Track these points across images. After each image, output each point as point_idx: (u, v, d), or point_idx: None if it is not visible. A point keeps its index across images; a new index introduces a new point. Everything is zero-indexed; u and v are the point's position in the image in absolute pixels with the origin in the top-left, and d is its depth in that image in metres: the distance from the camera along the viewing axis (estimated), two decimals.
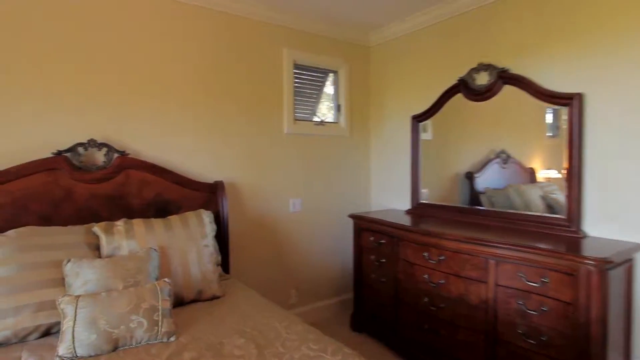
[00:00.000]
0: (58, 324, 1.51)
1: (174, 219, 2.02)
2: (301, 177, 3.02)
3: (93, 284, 1.53)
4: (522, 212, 2.27)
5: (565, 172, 2.09)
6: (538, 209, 2.23)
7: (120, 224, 1.88)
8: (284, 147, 2.92)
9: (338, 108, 3.23)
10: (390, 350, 2.61)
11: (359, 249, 2.88)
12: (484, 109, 2.50)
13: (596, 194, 2.00)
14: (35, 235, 1.69)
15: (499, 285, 1.92)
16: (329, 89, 3.22)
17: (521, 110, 2.31)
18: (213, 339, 1.45)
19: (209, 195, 2.46)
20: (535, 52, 2.23)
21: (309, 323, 3.03)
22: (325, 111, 3.22)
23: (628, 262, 1.83)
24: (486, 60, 2.46)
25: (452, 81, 2.64)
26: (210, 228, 2.08)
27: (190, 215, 2.08)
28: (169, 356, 1.32)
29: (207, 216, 2.12)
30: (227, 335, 1.48)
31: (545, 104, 2.17)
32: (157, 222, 1.94)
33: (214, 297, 1.88)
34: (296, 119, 2.97)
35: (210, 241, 2.03)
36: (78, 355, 1.31)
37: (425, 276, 2.30)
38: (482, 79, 2.46)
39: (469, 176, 2.62)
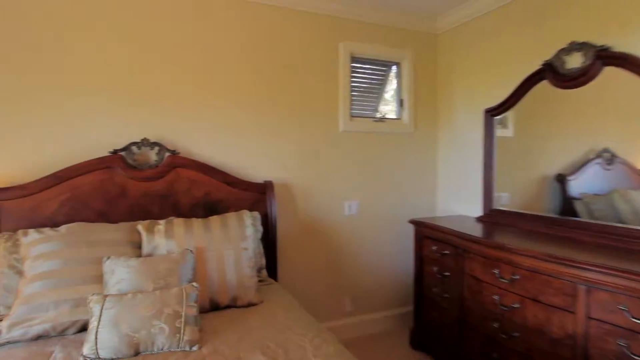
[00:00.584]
0: None
1: (213, 219, 1.97)
2: (357, 178, 2.81)
3: (126, 283, 1.52)
4: (631, 227, 1.79)
5: None
6: None
7: (161, 223, 1.88)
8: (339, 145, 2.74)
9: (400, 102, 2.95)
10: None
11: (420, 259, 2.58)
12: (577, 98, 2.04)
13: None
14: (84, 231, 1.74)
15: (592, 319, 1.52)
16: (390, 82, 2.96)
17: (629, 97, 1.83)
18: (233, 352, 1.34)
19: (258, 195, 2.39)
20: None
21: (365, 335, 2.84)
22: (386, 106, 2.97)
23: None
24: (580, 38, 2.01)
25: (535, 66, 2.22)
26: (251, 230, 1.99)
27: (230, 216, 2.02)
28: None
29: (248, 217, 2.04)
30: (248, 349, 1.35)
31: None
32: (197, 222, 1.90)
33: (250, 304, 1.77)
34: (353, 116, 2.77)
35: (250, 244, 1.93)
36: (100, 357, 1.29)
37: (495, 297, 1.94)
38: (575, 61, 2.01)
39: (560, 179, 2.17)
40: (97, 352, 1.29)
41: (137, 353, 1.32)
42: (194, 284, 1.52)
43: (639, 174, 1.82)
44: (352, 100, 2.76)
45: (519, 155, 2.42)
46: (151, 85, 2.21)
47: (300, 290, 2.63)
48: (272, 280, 2.15)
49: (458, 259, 2.22)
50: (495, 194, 2.53)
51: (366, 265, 2.86)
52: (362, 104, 2.86)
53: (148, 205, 2.13)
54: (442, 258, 2.36)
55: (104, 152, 2.08)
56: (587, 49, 1.95)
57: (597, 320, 1.50)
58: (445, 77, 2.99)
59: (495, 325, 1.93)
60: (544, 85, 2.19)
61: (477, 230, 2.25)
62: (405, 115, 2.95)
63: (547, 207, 2.23)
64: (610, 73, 1.88)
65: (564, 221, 2.08)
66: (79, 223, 1.80)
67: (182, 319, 1.39)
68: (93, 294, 1.42)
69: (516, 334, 1.83)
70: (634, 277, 1.37)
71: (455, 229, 2.26)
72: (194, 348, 1.37)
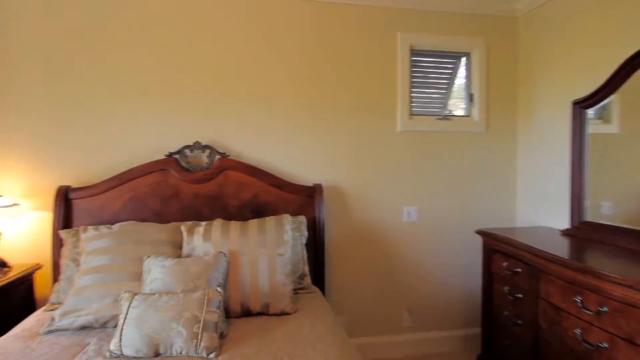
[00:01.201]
0: None
1: (251, 223, 1.93)
2: (418, 182, 2.56)
3: (158, 283, 1.56)
4: None
5: None
6: None
7: (202, 224, 1.90)
8: (397, 146, 2.53)
9: (470, 98, 2.63)
10: None
11: (489, 276, 2.25)
12: None
13: None
14: (134, 230, 1.85)
15: None
16: (457, 76, 2.65)
17: None
18: None
19: (306, 198, 2.31)
20: None
21: (424, 354, 2.53)
22: (452, 102, 2.67)
23: None
24: None
25: (635, 48, 1.76)
26: (290, 235, 1.91)
27: (270, 220, 1.96)
28: None
29: (288, 221, 1.96)
30: None
31: None
32: (234, 225, 1.89)
33: (283, 313, 1.69)
34: (412, 114, 2.54)
35: (288, 250, 1.86)
36: (124, 354, 1.32)
37: (577, 331, 1.57)
38: None
39: None
40: (121, 349, 1.32)
41: (157, 354, 1.33)
42: (218, 288, 1.49)
43: None
44: (411, 97, 2.53)
45: (626, 156, 1.94)
46: (203, 88, 2.28)
47: (350, 300, 2.48)
48: (315, 289, 2.05)
49: (532, 280, 1.86)
50: (590, 203, 2.08)
51: (428, 277, 2.59)
52: (424, 101, 2.60)
53: (199, 207, 2.19)
54: (513, 276, 2.02)
55: (160, 155, 2.19)
56: None
57: None
58: (526, 66, 2.58)
59: None
60: None
61: (559, 246, 1.87)
62: (475, 112, 2.61)
63: None
64: None
65: None
66: (130, 222, 1.92)
67: (201, 324, 1.36)
68: (125, 291, 1.47)
69: None
70: None
71: (528, 243, 1.91)
72: (211, 355, 1.33)
